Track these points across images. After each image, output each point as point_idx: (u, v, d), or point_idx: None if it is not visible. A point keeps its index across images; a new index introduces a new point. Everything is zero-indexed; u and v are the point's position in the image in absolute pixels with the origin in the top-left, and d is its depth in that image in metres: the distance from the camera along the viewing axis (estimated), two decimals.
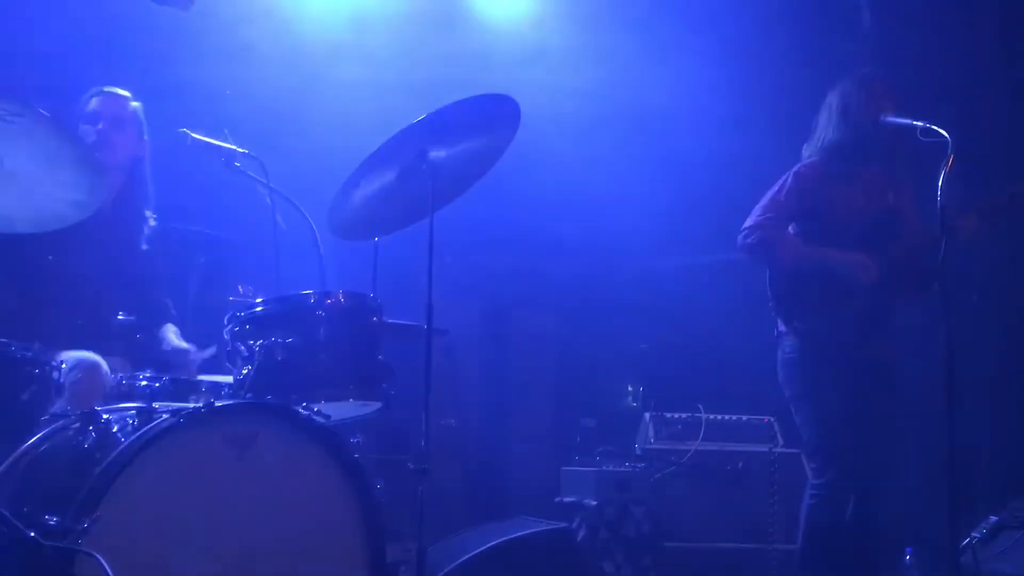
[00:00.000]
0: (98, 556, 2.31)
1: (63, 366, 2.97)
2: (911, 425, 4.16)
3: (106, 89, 3.86)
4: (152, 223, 3.88)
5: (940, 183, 3.41)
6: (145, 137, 3.89)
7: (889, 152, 3.99)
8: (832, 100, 4.05)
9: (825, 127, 4.04)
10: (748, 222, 4.03)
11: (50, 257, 3.51)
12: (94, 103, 3.83)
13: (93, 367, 3.22)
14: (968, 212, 3.77)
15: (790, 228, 4.07)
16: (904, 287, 3.95)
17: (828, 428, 3.92)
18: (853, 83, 4.03)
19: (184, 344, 3.69)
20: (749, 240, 3.99)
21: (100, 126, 3.77)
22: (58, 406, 2.89)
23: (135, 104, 3.88)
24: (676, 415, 5.21)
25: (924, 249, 3.80)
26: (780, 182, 4.05)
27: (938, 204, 3.38)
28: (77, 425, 2.72)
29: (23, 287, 3.51)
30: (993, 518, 4.35)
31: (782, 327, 4.03)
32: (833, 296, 3.91)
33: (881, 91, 3.98)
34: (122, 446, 2.55)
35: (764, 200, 4.04)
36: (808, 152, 4.10)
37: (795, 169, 4.06)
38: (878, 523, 3.92)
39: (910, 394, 4.08)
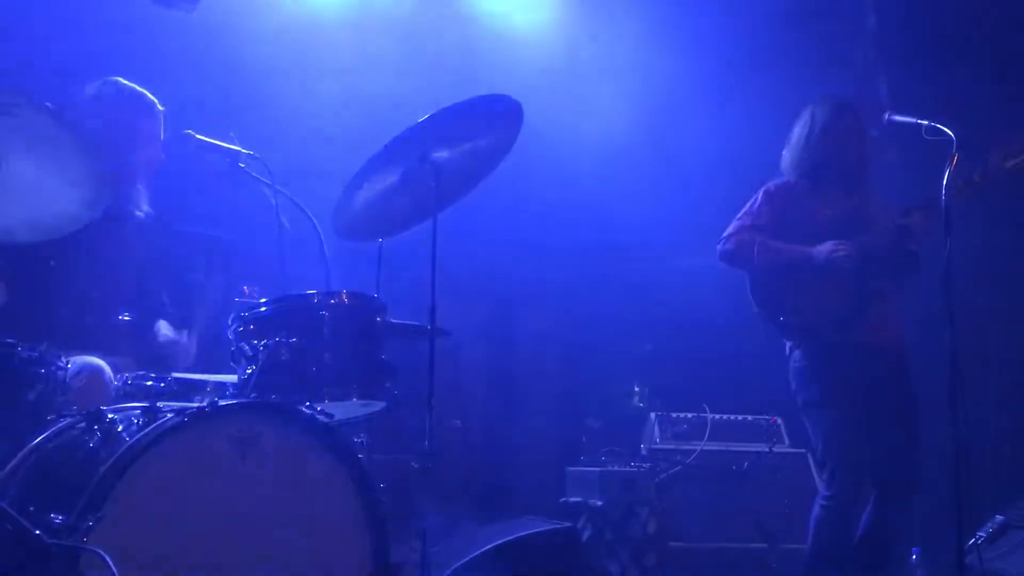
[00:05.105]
0: (103, 554, 2.33)
1: (68, 366, 2.98)
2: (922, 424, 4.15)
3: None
4: (140, 213, 3.84)
5: (945, 181, 3.41)
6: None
7: (860, 169, 4.10)
8: (814, 119, 4.12)
9: (803, 145, 4.12)
10: (726, 232, 4.15)
11: (52, 262, 3.51)
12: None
13: (97, 373, 3.23)
14: (914, 210, 3.85)
15: None
16: (885, 271, 3.96)
17: (836, 439, 3.92)
18: (834, 108, 4.11)
19: (172, 335, 3.70)
20: (728, 246, 4.12)
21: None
22: (64, 406, 2.90)
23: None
24: (682, 415, 5.23)
25: (898, 236, 3.89)
26: (752, 199, 4.17)
27: (942, 202, 3.39)
28: (83, 424, 2.73)
29: (28, 289, 3.51)
30: (999, 517, 4.35)
31: (787, 342, 4.06)
32: (811, 285, 3.95)
33: (859, 117, 4.09)
34: (127, 445, 2.56)
35: (740, 213, 4.18)
36: (785, 162, 4.20)
37: (765, 188, 4.17)
38: (894, 531, 3.92)
39: (918, 392, 4.07)
